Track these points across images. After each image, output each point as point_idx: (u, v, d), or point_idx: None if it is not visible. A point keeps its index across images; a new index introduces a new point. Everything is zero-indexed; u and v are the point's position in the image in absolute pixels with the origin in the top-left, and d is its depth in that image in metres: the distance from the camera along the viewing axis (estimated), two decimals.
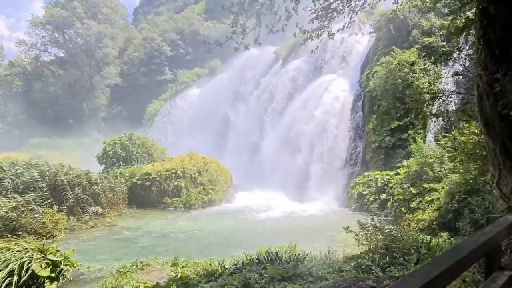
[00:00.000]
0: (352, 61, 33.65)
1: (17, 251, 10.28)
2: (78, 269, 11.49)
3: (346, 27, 9.80)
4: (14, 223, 15.71)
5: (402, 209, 17.76)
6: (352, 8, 8.72)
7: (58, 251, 10.92)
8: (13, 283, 9.45)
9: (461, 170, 13.77)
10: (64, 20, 67.85)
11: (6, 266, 9.67)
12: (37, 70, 68.21)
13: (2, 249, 10.39)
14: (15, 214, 15.98)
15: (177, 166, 25.43)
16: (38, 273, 9.87)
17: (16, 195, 17.40)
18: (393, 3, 11.16)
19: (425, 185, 17.20)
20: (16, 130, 63.71)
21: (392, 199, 19.35)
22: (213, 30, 66.39)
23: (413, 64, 20.47)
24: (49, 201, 18.56)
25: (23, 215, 16.10)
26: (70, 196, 19.47)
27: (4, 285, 9.42)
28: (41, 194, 18.70)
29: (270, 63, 45.71)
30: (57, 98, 67.47)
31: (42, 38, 69.61)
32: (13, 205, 16.37)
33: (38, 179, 19.41)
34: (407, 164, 20.11)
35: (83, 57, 69.52)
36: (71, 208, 19.27)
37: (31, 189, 18.82)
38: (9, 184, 18.67)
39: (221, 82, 51.98)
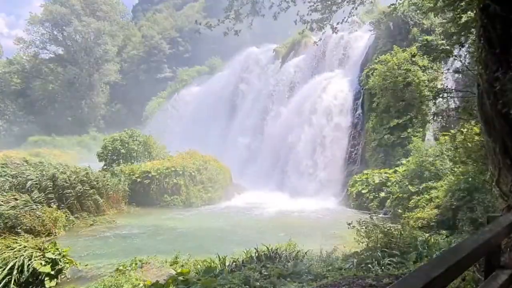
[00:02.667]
0: (351, 59, 33.61)
1: (17, 249, 10.28)
2: (77, 267, 11.49)
3: (346, 21, 9.76)
4: (13, 220, 15.68)
5: (402, 205, 17.77)
6: (351, 0, 8.69)
7: (57, 249, 10.93)
8: (13, 281, 9.45)
9: (461, 169, 13.79)
10: (62, 17, 67.66)
11: (6, 264, 9.67)
12: (36, 68, 68.10)
13: (1, 247, 10.39)
14: (14, 212, 15.95)
15: (177, 164, 25.41)
16: (40, 270, 9.86)
17: (15, 193, 17.37)
18: (395, 2, 11.13)
19: (424, 184, 17.22)
20: (15, 127, 63.62)
21: (391, 197, 19.38)
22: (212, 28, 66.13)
23: (414, 56, 20.35)
24: (48, 199, 18.52)
25: (22, 213, 16.08)
26: (70, 195, 19.43)
27: (3, 283, 9.42)
28: (40, 192, 18.64)
29: (269, 61, 45.69)
30: (56, 96, 67.39)
31: (41, 36, 69.45)
32: (13, 203, 16.33)
33: (37, 177, 19.35)
34: (406, 162, 20.13)
35: (82, 54, 69.36)
36: (70, 206, 19.25)
37: (30, 187, 18.77)
38: (8, 182, 18.62)
39: (221, 80, 51.92)
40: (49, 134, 60.03)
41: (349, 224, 9.57)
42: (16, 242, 10.76)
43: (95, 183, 20.91)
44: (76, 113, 67.52)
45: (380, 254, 8.10)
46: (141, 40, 72.84)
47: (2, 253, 10.04)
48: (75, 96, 68.19)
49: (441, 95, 10.56)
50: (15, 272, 9.55)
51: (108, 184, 21.75)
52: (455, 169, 14.80)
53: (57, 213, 17.61)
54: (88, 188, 20.41)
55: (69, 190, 19.46)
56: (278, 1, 7.99)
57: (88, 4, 69.97)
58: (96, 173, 22.39)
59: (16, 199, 16.77)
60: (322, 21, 8.63)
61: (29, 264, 9.84)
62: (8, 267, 9.58)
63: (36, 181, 19.07)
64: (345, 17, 9.59)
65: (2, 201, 16.20)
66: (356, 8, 9.13)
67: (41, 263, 10.04)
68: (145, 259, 11.90)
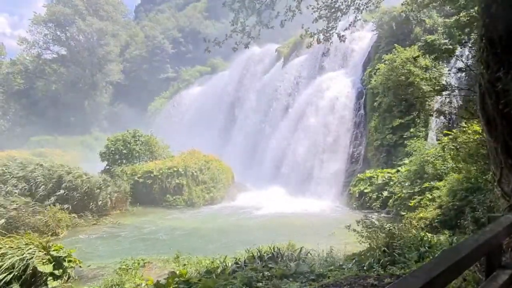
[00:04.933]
0: (354, 59, 33.58)
1: (20, 247, 10.32)
2: (80, 267, 11.53)
3: (352, 26, 9.78)
4: (17, 221, 15.77)
5: (404, 206, 17.72)
6: (357, 7, 8.69)
7: (61, 248, 10.96)
8: (15, 279, 9.49)
9: (463, 169, 13.74)
10: (66, 17, 67.87)
11: (10, 263, 9.70)
12: (39, 68, 68.30)
13: (5, 245, 10.43)
14: (18, 212, 16.03)
15: (179, 164, 25.45)
16: (39, 268, 9.88)
17: (17, 195, 17.46)
18: (402, 4, 11.13)
19: (427, 183, 17.17)
20: (17, 127, 63.86)
21: (393, 197, 19.33)
22: (213, 29, 66.34)
23: (416, 58, 20.30)
24: (52, 199, 18.60)
25: (26, 213, 16.16)
26: (74, 196, 19.50)
27: (7, 280, 9.45)
28: (44, 193, 18.73)
29: (272, 61, 45.66)
30: (59, 96, 67.58)
31: (44, 36, 69.65)
32: (17, 204, 16.43)
33: (41, 178, 19.42)
34: (409, 162, 20.09)
35: (85, 54, 69.57)
36: (74, 206, 19.33)
37: (34, 188, 18.84)
38: (13, 183, 18.69)
39: (223, 80, 51.98)
40: (52, 134, 60.23)
41: (347, 226, 9.54)
42: (20, 240, 10.79)
43: (98, 184, 20.97)
44: (78, 113, 67.69)
45: (382, 254, 8.09)
46: (143, 40, 72.99)
47: (6, 251, 10.07)
48: (78, 96, 68.35)
49: (443, 91, 10.53)
50: (16, 270, 9.59)
51: (110, 185, 21.80)
52: (457, 169, 14.75)
53: (60, 213, 17.71)
54: (91, 189, 20.47)
55: (73, 191, 19.53)
56: (284, 10, 7.98)
57: (91, 4, 70.15)
58: (99, 175, 22.47)
59: (21, 200, 16.86)
60: (328, 31, 8.62)
61: (28, 264, 9.85)
62: (7, 263, 9.58)
63: (42, 181, 19.15)
64: (350, 22, 9.58)
65: (7, 202, 16.29)
66: (361, 12, 9.11)
67: (42, 262, 10.07)
68: (147, 258, 11.93)
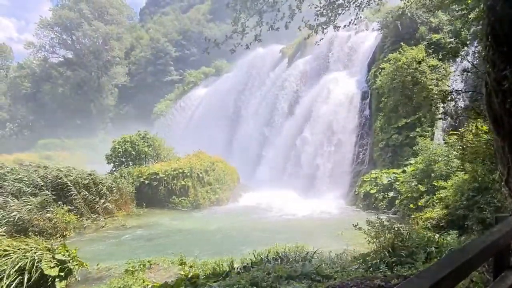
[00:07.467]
0: (358, 59, 33.48)
1: (27, 250, 10.41)
2: (87, 268, 11.60)
3: (353, 23, 9.81)
4: (25, 224, 15.91)
5: (412, 205, 17.61)
6: (357, 4, 8.70)
7: (67, 250, 11.04)
8: (24, 282, 9.57)
9: (470, 168, 13.62)
10: (71, 21, 68.55)
11: (16, 265, 9.80)
12: (46, 72, 69.03)
13: (12, 248, 10.53)
14: (26, 215, 16.17)
15: (184, 166, 25.51)
16: (46, 272, 9.98)
17: (23, 197, 17.58)
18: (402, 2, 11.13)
19: (433, 183, 17.04)
20: (25, 131, 64.58)
21: (400, 197, 19.23)
22: (217, 31, 66.61)
23: (420, 62, 20.24)
24: (57, 202, 18.70)
25: (34, 216, 16.30)
26: (77, 197, 19.58)
27: (14, 284, 9.54)
28: (49, 195, 18.82)
29: (276, 61, 45.67)
30: (66, 99, 68.18)
31: (51, 40, 70.44)
32: (25, 206, 16.57)
33: (44, 181, 19.51)
34: (415, 162, 19.97)
35: (91, 58, 70.15)
36: (79, 209, 19.43)
37: (39, 191, 18.93)
38: (16, 187, 18.80)
39: (227, 81, 52.08)
40: (59, 137, 60.82)
41: (355, 225, 9.47)
42: (27, 244, 10.89)
43: (102, 186, 21.06)
44: (85, 116, 68.23)
45: (388, 255, 8.04)
46: (148, 42, 73.44)
47: (13, 254, 10.17)
48: (84, 99, 68.95)
49: (449, 98, 10.46)
50: (26, 273, 9.68)
51: (116, 187, 21.91)
52: (464, 168, 14.62)
53: (68, 215, 17.84)
54: (95, 191, 20.56)
55: (76, 194, 19.59)
56: (289, 13, 8.00)
57: (96, 8, 70.73)
58: (103, 176, 22.57)
59: (28, 203, 16.99)
60: (326, 24, 8.67)
61: (38, 266, 9.95)
62: (16, 268, 9.68)
63: (45, 182, 19.24)
64: (351, 19, 9.60)
65: (15, 205, 16.43)
66: (362, 10, 9.12)
67: (50, 266, 10.14)
68: (153, 260, 11.97)
